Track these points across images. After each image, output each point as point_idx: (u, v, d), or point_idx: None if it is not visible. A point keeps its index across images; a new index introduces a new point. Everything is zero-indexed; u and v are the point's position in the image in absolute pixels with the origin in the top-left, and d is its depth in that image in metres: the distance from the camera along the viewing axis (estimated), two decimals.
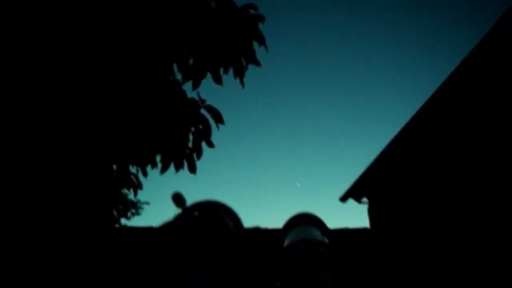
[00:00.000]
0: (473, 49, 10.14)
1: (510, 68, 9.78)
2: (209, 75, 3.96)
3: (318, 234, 1.47)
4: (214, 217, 1.45)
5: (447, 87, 10.73)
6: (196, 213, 1.44)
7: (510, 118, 9.66)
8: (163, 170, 4.05)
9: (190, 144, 4.02)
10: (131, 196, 5.19)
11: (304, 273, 1.41)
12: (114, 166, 4.46)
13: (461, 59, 10.34)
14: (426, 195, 10.89)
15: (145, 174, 4.27)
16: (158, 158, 4.09)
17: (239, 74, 3.97)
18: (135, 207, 8.66)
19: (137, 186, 4.49)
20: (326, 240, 1.47)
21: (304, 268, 1.40)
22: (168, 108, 3.89)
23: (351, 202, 12.48)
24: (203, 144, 4.02)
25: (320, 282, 1.43)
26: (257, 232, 10.66)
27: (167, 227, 1.44)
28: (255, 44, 4.01)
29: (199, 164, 4.10)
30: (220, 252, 1.42)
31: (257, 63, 4.03)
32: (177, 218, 1.45)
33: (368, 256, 11.47)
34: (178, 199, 1.44)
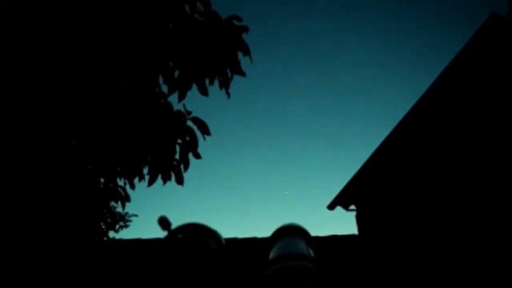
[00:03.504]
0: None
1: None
2: (194, 86, 3.97)
3: (303, 247, 1.46)
4: (197, 238, 1.46)
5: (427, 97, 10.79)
6: (179, 236, 1.46)
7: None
8: (151, 182, 4.06)
9: (177, 156, 4.02)
10: (119, 208, 5.20)
11: None
12: (102, 179, 4.46)
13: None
14: (416, 200, 10.95)
15: (132, 186, 4.27)
16: (145, 170, 4.10)
17: (225, 85, 3.98)
18: (123, 220, 8.63)
19: (125, 198, 4.48)
20: (311, 252, 1.46)
21: (287, 285, 1.40)
22: (155, 120, 3.90)
23: (339, 209, 12.51)
24: (190, 156, 4.03)
25: None
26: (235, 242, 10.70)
27: (154, 253, 1.45)
28: (240, 55, 4.04)
29: (186, 175, 4.12)
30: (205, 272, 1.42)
31: (242, 73, 4.05)
32: (162, 243, 1.46)
33: (358, 263, 11.49)
34: (163, 222, 1.46)
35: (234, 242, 10.86)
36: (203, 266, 1.40)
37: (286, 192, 27.37)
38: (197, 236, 1.45)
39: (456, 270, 9.92)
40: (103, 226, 5.53)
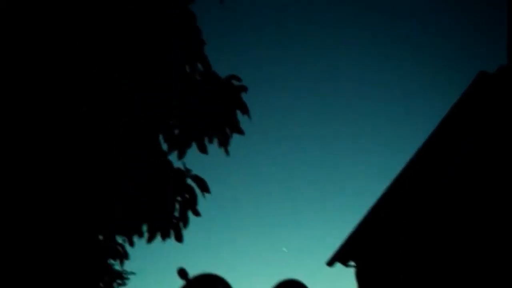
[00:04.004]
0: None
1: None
2: (194, 145, 4.05)
3: None
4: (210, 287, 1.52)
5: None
6: (197, 285, 1.51)
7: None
8: (150, 239, 4.07)
9: (176, 213, 4.05)
10: (117, 266, 5.17)
11: None
12: (101, 237, 4.47)
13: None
14: (418, 254, 10.89)
15: (131, 243, 4.27)
16: (144, 228, 4.11)
17: (224, 143, 4.06)
18: (120, 278, 8.52)
19: (124, 256, 4.47)
20: None
21: None
22: (155, 178, 3.95)
23: (338, 266, 12.40)
24: (189, 213, 4.06)
25: None
26: None
27: None
28: (239, 113, 4.13)
29: (185, 232, 4.14)
30: None
31: (240, 132, 4.13)
32: None
33: None
34: (182, 273, 1.52)
35: None
36: None
37: (284, 249, 27.10)
38: (211, 285, 1.50)
39: None
40: (101, 285, 5.48)
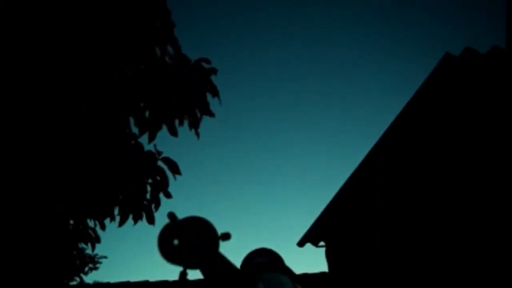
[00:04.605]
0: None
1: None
2: (164, 127, 4.04)
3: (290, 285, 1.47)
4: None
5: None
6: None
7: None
8: (122, 222, 4.07)
9: (148, 196, 4.06)
10: (88, 250, 5.15)
11: None
12: (71, 221, 4.45)
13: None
14: (392, 226, 11.08)
15: (103, 227, 4.27)
16: (116, 211, 4.11)
17: (194, 125, 4.07)
18: (92, 262, 8.50)
19: (95, 240, 4.46)
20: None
21: None
22: (125, 161, 3.94)
23: (308, 246, 12.55)
24: (161, 195, 4.07)
25: None
26: None
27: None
28: (209, 96, 4.14)
29: (157, 215, 4.15)
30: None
31: (211, 114, 4.14)
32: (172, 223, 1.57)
33: None
34: (171, 216, 1.56)
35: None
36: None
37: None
38: (198, 225, 1.55)
39: None
40: (72, 269, 5.47)
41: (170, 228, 1.52)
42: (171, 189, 4.06)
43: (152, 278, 11.27)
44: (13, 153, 3.59)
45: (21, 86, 3.52)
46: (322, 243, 12.60)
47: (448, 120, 10.76)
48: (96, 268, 8.86)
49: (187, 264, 1.48)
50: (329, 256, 12.49)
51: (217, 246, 1.52)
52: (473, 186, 10.12)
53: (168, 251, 1.50)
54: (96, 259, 8.49)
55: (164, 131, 4.06)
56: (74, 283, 7.30)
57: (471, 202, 10.04)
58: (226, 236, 1.56)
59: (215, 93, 4.11)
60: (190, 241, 1.50)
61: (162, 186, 4.01)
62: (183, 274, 1.48)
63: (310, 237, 12.57)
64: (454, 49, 11.12)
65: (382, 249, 10.95)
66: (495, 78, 10.26)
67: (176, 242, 1.50)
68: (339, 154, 24.87)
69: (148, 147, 4.06)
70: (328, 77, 22.76)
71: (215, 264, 1.49)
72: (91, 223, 4.37)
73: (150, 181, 4.02)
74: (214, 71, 4.12)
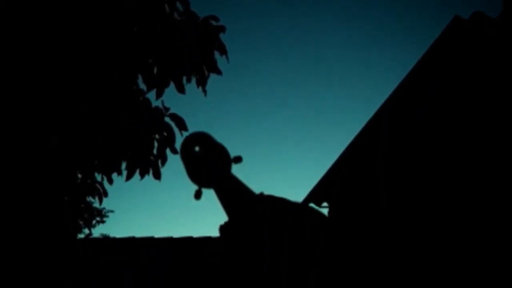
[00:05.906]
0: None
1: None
2: (172, 85, 4.07)
3: None
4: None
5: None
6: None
7: None
8: (129, 177, 4.13)
9: (155, 151, 4.11)
10: (96, 204, 5.24)
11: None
12: (79, 175, 4.51)
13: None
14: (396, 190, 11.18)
15: (110, 181, 4.33)
16: (123, 166, 4.17)
17: (201, 83, 4.09)
18: (100, 215, 8.66)
19: (103, 194, 4.54)
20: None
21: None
22: (133, 116, 3.99)
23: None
24: (168, 151, 4.12)
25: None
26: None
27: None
28: (217, 54, 4.15)
29: (163, 170, 4.21)
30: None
31: (218, 72, 4.16)
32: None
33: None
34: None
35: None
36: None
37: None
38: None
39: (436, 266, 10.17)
40: (81, 222, 5.57)
41: (194, 135, 1.58)
42: (177, 145, 4.11)
43: (157, 235, 11.55)
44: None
45: (21, 86, 3.55)
46: (325, 204, 12.71)
47: (450, 85, 10.76)
48: (103, 222, 9.03)
49: (201, 180, 1.54)
50: (331, 217, 12.62)
51: (229, 165, 1.58)
52: (475, 154, 10.16)
53: (190, 156, 1.56)
54: (103, 213, 8.64)
55: (171, 89, 4.10)
56: (82, 236, 7.47)
57: (474, 172, 10.10)
58: (238, 159, 1.61)
59: (223, 51, 4.12)
60: (206, 156, 1.56)
61: (169, 142, 4.06)
62: (198, 192, 1.55)
63: (313, 197, 12.69)
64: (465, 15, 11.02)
65: (386, 214, 11.08)
66: (504, 44, 10.20)
67: (197, 148, 1.57)
68: (344, 117, 24.85)
69: (156, 103, 4.11)
70: (334, 36, 22.57)
71: (230, 183, 1.55)
72: (98, 177, 4.44)
73: (157, 136, 4.07)
74: (222, 29, 4.12)
